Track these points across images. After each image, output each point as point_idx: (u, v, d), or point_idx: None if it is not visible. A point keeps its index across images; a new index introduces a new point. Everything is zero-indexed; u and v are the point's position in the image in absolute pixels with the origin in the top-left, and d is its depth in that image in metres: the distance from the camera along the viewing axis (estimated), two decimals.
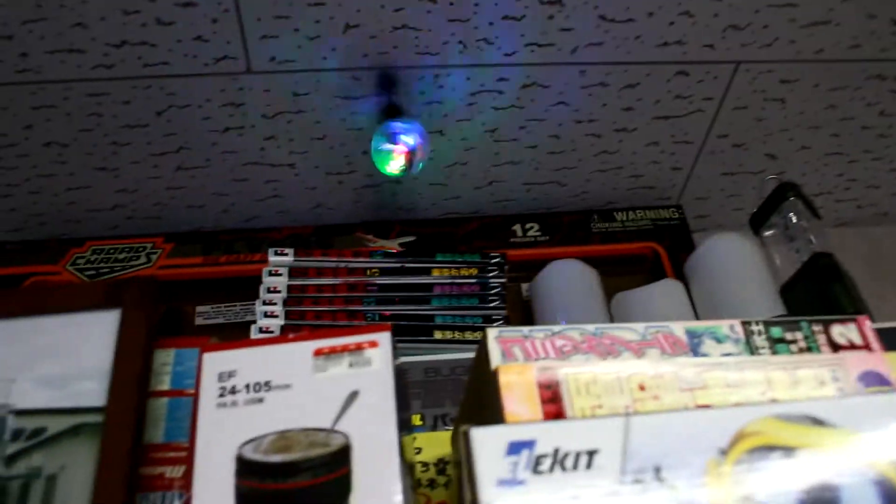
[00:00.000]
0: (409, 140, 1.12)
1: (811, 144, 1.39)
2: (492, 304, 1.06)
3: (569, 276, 1.21)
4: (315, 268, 1.06)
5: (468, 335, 1.01)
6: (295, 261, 1.06)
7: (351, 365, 0.66)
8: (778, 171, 1.43)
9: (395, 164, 1.13)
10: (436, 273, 1.07)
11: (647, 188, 1.44)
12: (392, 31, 1.11)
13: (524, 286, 1.29)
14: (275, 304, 1.02)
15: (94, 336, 0.72)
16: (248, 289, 1.30)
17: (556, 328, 0.70)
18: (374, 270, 1.07)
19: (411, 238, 1.32)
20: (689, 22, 1.14)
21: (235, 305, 1.29)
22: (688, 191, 1.46)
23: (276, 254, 1.07)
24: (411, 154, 1.12)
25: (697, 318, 1.17)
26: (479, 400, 0.70)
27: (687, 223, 1.39)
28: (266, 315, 1.01)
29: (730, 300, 1.13)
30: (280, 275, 1.05)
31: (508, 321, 1.07)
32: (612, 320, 1.20)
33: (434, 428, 0.90)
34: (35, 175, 1.28)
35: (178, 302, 1.30)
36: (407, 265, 1.07)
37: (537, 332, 0.70)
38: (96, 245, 1.33)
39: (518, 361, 0.68)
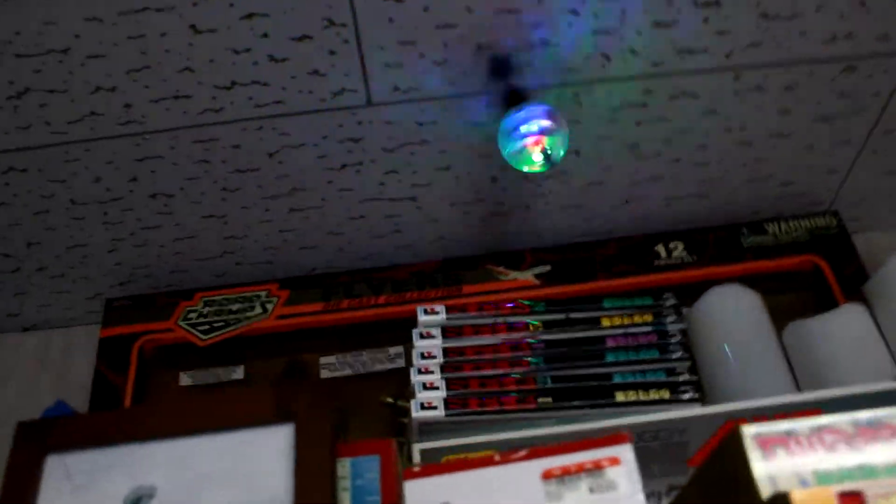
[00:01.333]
0: (532, 128, 0.97)
1: None
2: (674, 356, 0.94)
3: (732, 305, 1.09)
4: (471, 325, 0.95)
5: (653, 394, 0.90)
6: (448, 319, 0.95)
7: (592, 490, 0.55)
8: None
9: (533, 160, 0.99)
10: (605, 323, 0.95)
11: (797, 195, 1.30)
12: (529, 48, 1.00)
13: None
14: (432, 371, 0.91)
15: (266, 458, 0.62)
16: (373, 334, 1.21)
17: (822, 421, 0.58)
18: (536, 325, 0.95)
19: (546, 267, 1.21)
20: (863, 12, 1.00)
21: (362, 354, 1.19)
22: (842, 194, 1.31)
23: (426, 312, 0.96)
24: (540, 142, 0.97)
25: (889, 347, 1.04)
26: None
27: (847, 231, 1.25)
28: (425, 387, 0.90)
29: None
30: (433, 337, 0.94)
31: (697, 374, 0.95)
32: (785, 352, 1.07)
33: None
34: (140, 228, 1.20)
35: (300, 353, 1.21)
36: (572, 315, 0.95)
37: (801, 428, 0.58)
38: (207, 296, 1.24)
39: (778, 459, 0.57)
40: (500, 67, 1.02)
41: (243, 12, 0.92)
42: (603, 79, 1.05)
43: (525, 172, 1.00)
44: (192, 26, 0.93)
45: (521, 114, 0.97)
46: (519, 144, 0.97)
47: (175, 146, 1.08)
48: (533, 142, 0.97)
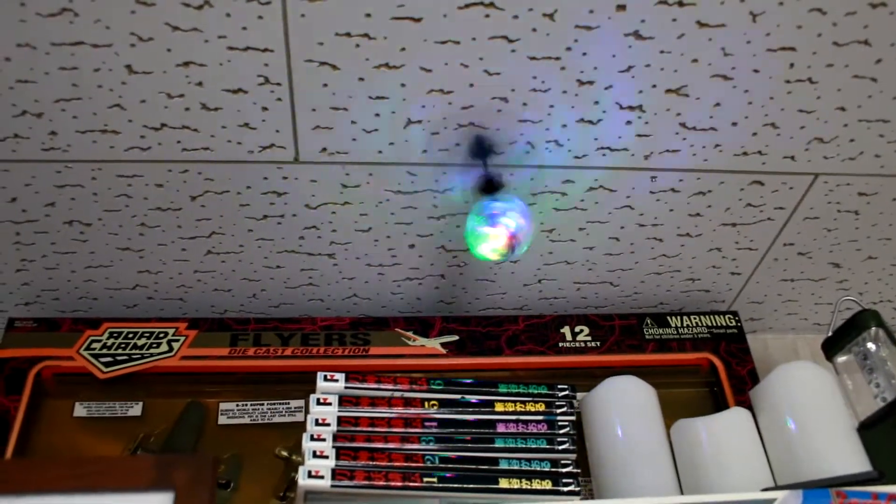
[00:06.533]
0: (509, 222, 1.00)
1: (878, 255, 1.31)
2: (560, 448, 0.96)
3: (627, 397, 1.12)
4: (368, 396, 0.96)
5: (536, 483, 0.92)
6: (346, 388, 0.96)
7: None
8: (839, 280, 1.36)
9: (492, 248, 1.00)
10: (499, 408, 0.98)
11: (701, 291, 1.35)
12: (457, 128, 1.03)
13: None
14: (324, 439, 0.91)
15: None
16: (277, 385, 1.21)
17: None
18: (432, 402, 0.97)
19: (454, 337, 1.23)
20: (774, 133, 1.06)
21: (262, 404, 1.19)
22: (743, 295, 1.37)
23: (326, 379, 0.97)
24: (513, 238, 0.99)
25: (765, 451, 1.08)
26: None
27: (744, 332, 1.30)
28: (315, 454, 0.90)
29: (805, 436, 1.05)
30: (329, 404, 0.95)
31: (579, 466, 0.97)
32: (671, 447, 1.11)
33: None
34: (53, 252, 1.19)
35: (201, 396, 1.20)
36: (468, 397, 0.97)
37: None
38: (114, 328, 1.22)
39: None
40: (479, 148, 1.06)
41: (181, 59, 0.93)
42: (526, 164, 1.08)
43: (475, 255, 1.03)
44: (128, 66, 0.94)
45: (505, 204, 1.00)
46: (486, 229, 1.00)
47: (97, 178, 1.07)
48: (504, 235, 1.00)
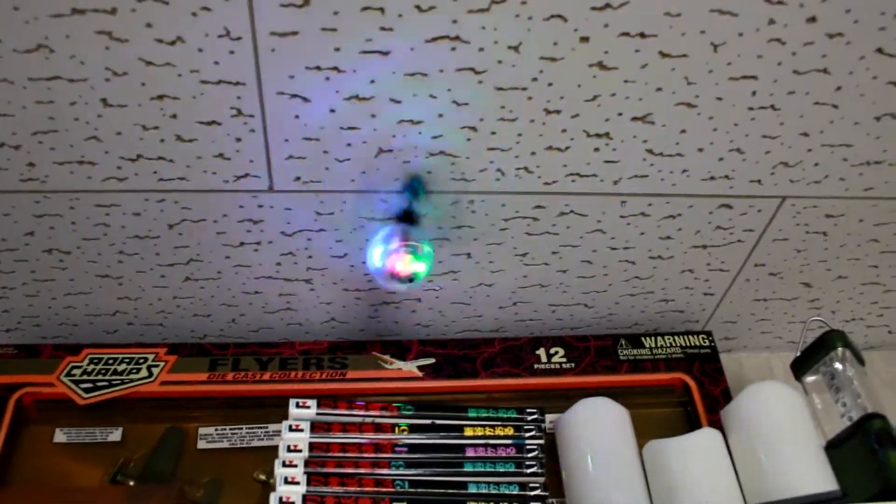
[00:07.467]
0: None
1: (848, 274, 1.33)
2: (529, 471, 0.98)
3: (599, 418, 1.14)
4: (340, 423, 0.98)
5: None
6: (318, 414, 0.98)
7: None
8: (811, 299, 1.38)
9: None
10: (468, 432, 0.99)
11: (675, 312, 1.37)
12: (428, 156, 1.05)
13: (549, 418, 1.21)
14: (295, 465, 0.93)
15: None
16: (255, 409, 1.22)
17: None
18: (402, 428, 0.99)
19: (430, 360, 1.25)
20: (739, 158, 1.09)
21: (241, 428, 1.21)
22: (717, 315, 1.39)
23: (298, 406, 0.98)
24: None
25: (735, 471, 1.10)
26: None
27: (717, 352, 1.32)
28: (286, 481, 0.92)
29: (773, 455, 1.06)
30: (301, 430, 0.96)
31: (547, 490, 0.99)
32: (643, 468, 1.12)
33: None
34: (33, 279, 1.20)
35: (181, 421, 1.21)
36: (438, 422, 0.99)
37: None
38: (94, 353, 1.24)
39: None
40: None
41: (155, 93, 0.95)
42: (496, 191, 1.10)
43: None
44: (104, 100, 0.95)
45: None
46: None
47: (75, 207, 1.09)
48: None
